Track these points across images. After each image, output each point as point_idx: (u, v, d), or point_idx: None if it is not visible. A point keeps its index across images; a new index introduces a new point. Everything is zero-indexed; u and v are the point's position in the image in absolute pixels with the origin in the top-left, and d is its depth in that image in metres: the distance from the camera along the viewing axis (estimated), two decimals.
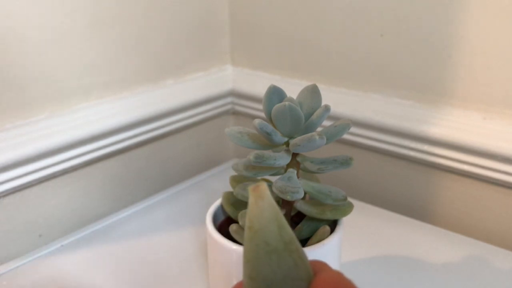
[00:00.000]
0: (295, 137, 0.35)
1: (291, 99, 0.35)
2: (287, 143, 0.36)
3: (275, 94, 0.35)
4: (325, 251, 0.34)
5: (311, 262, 0.20)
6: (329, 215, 0.35)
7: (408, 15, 0.50)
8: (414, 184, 0.56)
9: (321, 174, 0.38)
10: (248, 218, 0.19)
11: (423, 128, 0.51)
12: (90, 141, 0.52)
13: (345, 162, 0.36)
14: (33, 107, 0.48)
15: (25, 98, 0.47)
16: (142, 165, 0.60)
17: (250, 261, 0.18)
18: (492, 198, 0.51)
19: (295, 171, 0.36)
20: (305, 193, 0.36)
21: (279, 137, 0.34)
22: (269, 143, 0.36)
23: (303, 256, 0.19)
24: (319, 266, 0.20)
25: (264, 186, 0.19)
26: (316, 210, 0.36)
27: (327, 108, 0.34)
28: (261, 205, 0.19)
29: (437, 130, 0.50)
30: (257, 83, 0.65)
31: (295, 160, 0.37)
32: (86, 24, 0.50)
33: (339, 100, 0.57)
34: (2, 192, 0.46)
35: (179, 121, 0.62)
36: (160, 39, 0.58)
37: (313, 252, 0.33)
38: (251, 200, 0.19)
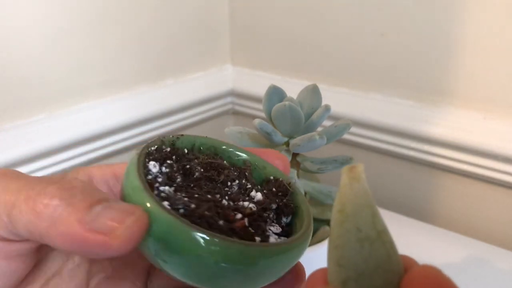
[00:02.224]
0: (295, 137, 0.35)
1: (291, 99, 0.35)
2: (287, 143, 0.36)
3: (275, 94, 0.35)
4: (326, 252, 0.34)
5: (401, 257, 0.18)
6: (329, 215, 0.35)
7: (408, 15, 0.50)
8: (414, 184, 0.56)
9: (321, 174, 0.38)
10: (339, 200, 0.18)
11: (423, 128, 0.51)
12: (90, 141, 0.52)
13: (345, 162, 0.36)
14: (33, 107, 0.48)
15: (25, 98, 0.47)
16: None
17: (339, 247, 0.17)
18: (492, 198, 0.50)
19: (295, 171, 0.36)
20: (305, 193, 0.36)
21: (279, 137, 0.34)
22: (269, 143, 0.36)
23: (395, 248, 0.18)
24: (409, 262, 0.18)
25: (361, 168, 0.18)
26: (316, 210, 0.36)
27: (327, 108, 0.34)
28: (356, 188, 0.18)
29: (437, 130, 0.50)
30: (257, 83, 0.65)
31: (295, 160, 0.37)
32: (86, 25, 0.50)
33: (339, 100, 0.57)
34: None
35: (179, 121, 0.62)
36: (160, 39, 0.58)
37: (313, 253, 0.33)
38: (344, 181, 0.18)
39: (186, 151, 0.23)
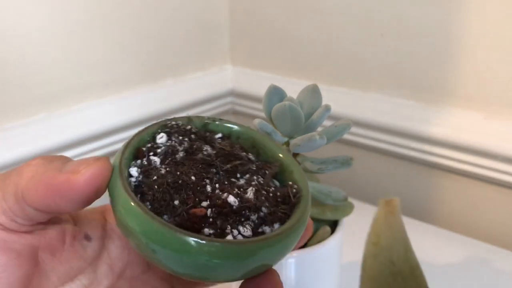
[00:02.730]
0: (295, 137, 0.35)
1: (291, 99, 0.35)
2: (287, 143, 0.36)
3: (275, 94, 0.35)
4: (326, 252, 0.34)
5: None
6: (329, 216, 0.35)
7: (408, 15, 0.50)
8: (414, 184, 0.56)
9: (321, 174, 0.38)
10: (374, 232, 0.18)
11: (423, 128, 0.51)
12: (90, 140, 0.52)
13: (346, 162, 0.36)
14: (33, 106, 0.48)
15: (25, 98, 0.47)
16: None
17: (372, 279, 0.18)
18: (492, 198, 0.50)
19: None
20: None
21: (279, 137, 0.34)
22: None
23: (426, 284, 0.18)
24: None
25: (397, 202, 0.19)
26: (316, 210, 0.36)
27: (327, 108, 0.34)
28: (392, 222, 0.18)
29: (437, 130, 0.50)
30: (257, 83, 0.65)
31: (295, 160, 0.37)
32: (86, 24, 0.50)
33: (339, 100, 0.57)
34: None
35: None
36: (160, 39, 0.58)
37: (313, 253, 0.33)
38: (380, 214, 0.18)
39: (217, 135, 0.23)
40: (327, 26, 0.57)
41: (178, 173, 0.19)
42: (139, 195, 0.19)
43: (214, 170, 0.21)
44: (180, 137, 0.22)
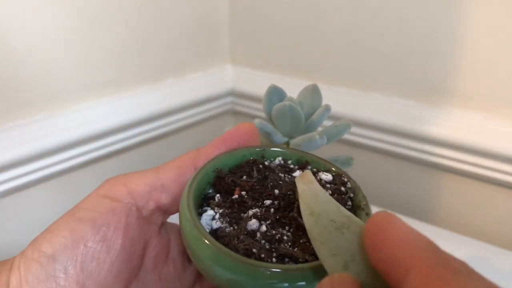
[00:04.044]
0: (296, 137, 0.35)
1: (291, 99, 0.35)
2: (287, 143, 0.36)
3: (275, 94, 0.35)
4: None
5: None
6: None
7: (408, 15, 0.50)
8: (414, 184, 0.56)
9: None
10: (304, 204, 0.20)
11: (423, 128, 0.51)
12: (90, 140, 0.52)
13: (346, 162, 0.36)
14: (32, 107, 0.48)
15: (25, 98, 0.47)
16: (142, 165, 0.60)
17: (326, 241, 0.19)
18: (492, 198, 0.50)
19: None
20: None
21: (279, 137, 0.34)
22: (269, 143, 0.36)
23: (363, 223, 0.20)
24: None
25: (310, 172, 0.21)
26: None
27: (327, 108, 0.34)
28: (314, 190, 0.20)
29: (437, 130, 0.50)
30: (257, 83, 0.65)
31: None
32: (86, 24, 0.50)
33: (339, 100, 0.57)
34: (2, 192, 0.46)
35: (179, 121, 0.62)
36: (160, 39, 0.58)
37: None
38: (302, 188, 0.20)
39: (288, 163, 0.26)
40: (327, 26, 0.57)
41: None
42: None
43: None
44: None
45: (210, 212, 0.23)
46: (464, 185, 0.52)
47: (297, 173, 0.24)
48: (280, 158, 0.26)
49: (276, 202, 0.23)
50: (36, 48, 0.47)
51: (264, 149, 0.26)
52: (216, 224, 0.22)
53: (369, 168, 0.59)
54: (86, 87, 0.52)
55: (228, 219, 0.23)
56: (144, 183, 0.25)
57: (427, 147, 0.52)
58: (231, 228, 0.22)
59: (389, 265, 0.16)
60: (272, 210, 0.23)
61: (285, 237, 0.21)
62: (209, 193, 0.25)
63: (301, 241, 0.21)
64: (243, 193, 0.24)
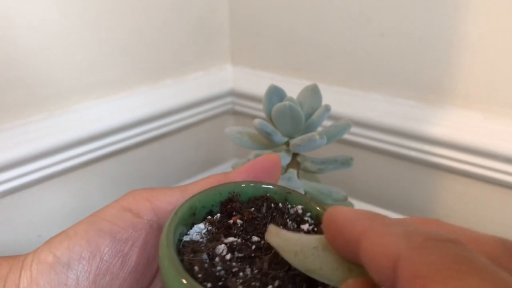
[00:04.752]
0: (295, 137, 0.35)
1: (291, 99, 0.35)
2: (287, 143, 0.36)
3: (275, 94, 0.35)
4: None
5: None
6: None
7: (408, 15, 0.50)
8: (415, 184, 0.56)
9: (321, 174, 0.38)
10: (285, 252, 0.20)
11: (423, 128, 0.51)
12: (90, 141, 0.52)
13: (346, 162, 0.36)
14: (33, 106, 0.48)
15: (25, 98, 0.47)
16: (142, 165, 0.60)
17: (323, 264, 0.20)
18: (492, 198, 0.50)
19: (295, 171, 0.36)
20: (305, 193, 0.35)
21: (279, 137, 0.34)
22: (269, 143, 0.36)
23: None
24: None
25: (273, 226, 0.21)
26: None
27: (327, 108, 0.34)
28: (284, 235, 0.21)
29: (437, 129, 0.50)
30: (257, 83, 0.65)
31: (295, 160, 0.37)
32: (86, 24, 0.50)
33: (339, 100, 0.57)
34: (2, 192, 0.46)
35: (179, 121, 0.62)
36: (160, 39, 0.58)
37: None
38: (275, 241, 0.21)
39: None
40: (327, 26, 0.57)
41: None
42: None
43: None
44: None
45: (201, 225, 0.23)
46: (464, 185, 0.52)
47: (305, 227, 0.24)
48: (300, 207, 0.25)
49: (262, 242, 0.23)
50: (36, 48, 0.47)
51: (290, 192, 0.26)
52: (195, 237, 0.23)
53: (369, 168, 0.59)
54: (87, 87, 0.52)
55: (208, 237, 0.23)
56: (168, 202, 0.25)
57: (427, 147, 0.52)
58: (203, 245, 0.22)
59: (345, 246, 0.18)
60: (253, 247, 0.22)
61: (241, 273, 0.20)
62: (215, 210, 0.25)
63: (252, 283, 0.20)
64: (239, 221, 0.24)
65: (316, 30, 0.58)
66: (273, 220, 0.24)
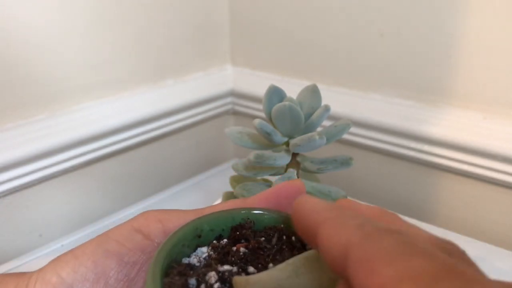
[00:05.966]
0: (295, 137, 0.35)
1: (291, 99, 0.35)
2: (287, 143, 0.36)
3: (275, 94, 0.35)
4: None
5: None
6: None
7: (408, 15, 0.50)
8: (414, 184, 0.56)
9: (321, 174, 0.38)
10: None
11: (423, 128, 0.51)
12: (90, 141, 0.52)
13: (345, 162, 0.36)
14: (33, 107, 0.48)
15: (26, 97, 0.47)
16: (142, 165, 0.60)
17: (309, 285, 0.20)
18: (492, 198, 0.50)
19: (295, 171, 0.36)
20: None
21: (279, 137, 0.35)
22: (269, 143, 0.36)
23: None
24: None
25: (237, 278, 0.20)
26: None
27: (327, 108, 0.34)
28: (254, 280, 0.20)
29: (437, 130, 0.50)
30: (257, 83, 0.65)
31: (295, 160, 0.37)
32: (86, 25, 0.50)
33: (339, 100, 0.57)
34: (2, 192, 0.46)
35: (179, 121, 0.62)
36: (160, 39, 0.58)
37: None
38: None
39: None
40: (327, 26, 0.57)
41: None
42: None
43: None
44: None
45: (204, 249, 0.23)
46: (464, 185, 0.52)
47: None
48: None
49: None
50: (37, 48, 0.47)
51: None
52: (193, 260, 0.22)
53: (368, 168, 0.59)
54: (87, 87, 0.52)
55: (205, 262, 0.22)
56: (181, 224, 0.24)
57: (426, 147, 0.52)
58: (197, 269, 0.21)
59: (306, 233, 0.19)
60: None
61: None
62: (224, 235, 0.24)
63: None
64: (242, 249, 0.23)
65: (316, 31, 0.58)
66: (280, 253, 0.23)
